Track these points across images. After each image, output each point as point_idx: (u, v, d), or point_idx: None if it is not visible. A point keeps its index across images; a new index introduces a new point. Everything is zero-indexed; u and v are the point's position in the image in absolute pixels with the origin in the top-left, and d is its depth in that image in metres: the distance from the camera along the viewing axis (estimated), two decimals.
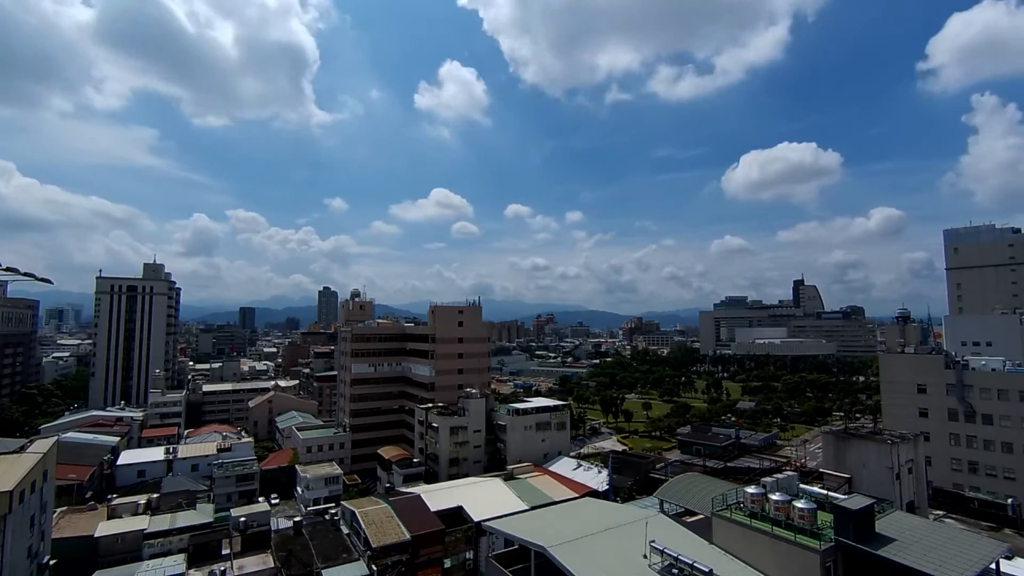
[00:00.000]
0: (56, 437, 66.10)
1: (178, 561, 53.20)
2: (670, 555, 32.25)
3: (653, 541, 33.79)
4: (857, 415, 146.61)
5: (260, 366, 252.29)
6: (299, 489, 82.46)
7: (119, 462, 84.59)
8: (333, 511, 68.26)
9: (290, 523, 63.94)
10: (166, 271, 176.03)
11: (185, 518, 63.14)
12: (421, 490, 66.17)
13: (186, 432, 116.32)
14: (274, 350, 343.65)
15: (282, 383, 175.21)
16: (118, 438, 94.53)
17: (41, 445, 49.29)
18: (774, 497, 36.08)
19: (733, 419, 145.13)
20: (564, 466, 79.70)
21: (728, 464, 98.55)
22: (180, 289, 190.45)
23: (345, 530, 59.51)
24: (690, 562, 31.18)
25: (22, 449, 47.79)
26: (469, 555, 56.77)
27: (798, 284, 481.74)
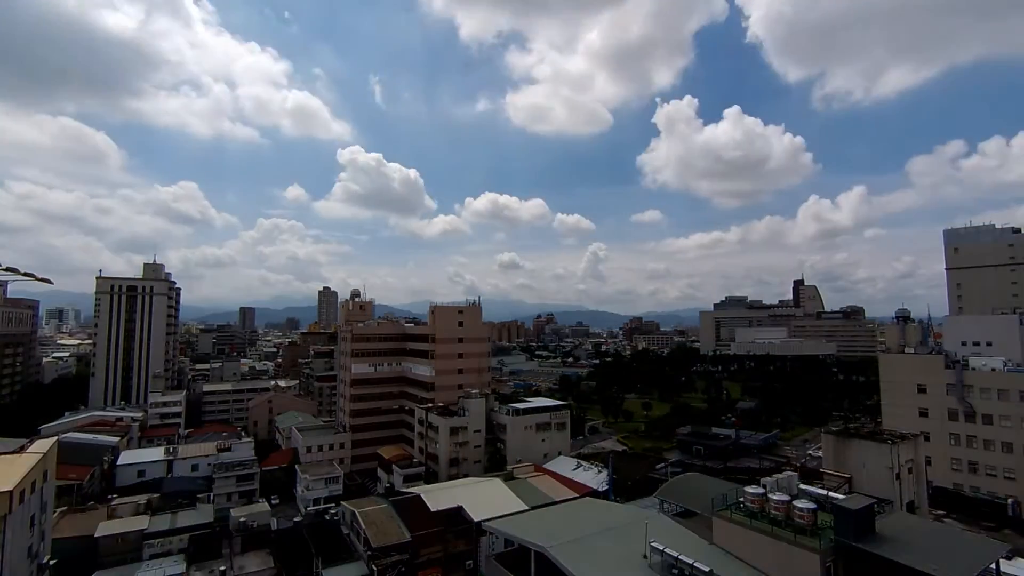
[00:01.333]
0: (56, 437, 66.06)
1: (178, 561, 53.29)
2: (670, 555, 32.27)
3: (653, 541, 33.79)
4: (857, 415, 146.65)
5: (260, 366, 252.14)
6: (299, 489, 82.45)
7: (119, 462, 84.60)
8: (333, 511, 68.36)
9: (290, 523, 64.11)
10: (166, 271, 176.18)
11: (185, 518, 63.20)
12: (421, 490, 66.15)
13: (186, 432, 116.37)
14: (274, 350, 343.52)
15: (282, 383, 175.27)
16: (118, 438, 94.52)
17: (41, 445, 49.27)
18: (774, 497, 36.07)
19: (733, 419, 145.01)
20: (564, 466, 79.65)
21: (728, 464, 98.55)
22: (180, 289, 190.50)
23: (345, 530, 59.57)
24: (690, 562, 31.20)
25: (22, 449, 47.82)
26: (469, 563, 56.69)
27: (798, 284, 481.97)
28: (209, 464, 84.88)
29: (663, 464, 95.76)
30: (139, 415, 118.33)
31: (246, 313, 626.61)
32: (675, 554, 32.06)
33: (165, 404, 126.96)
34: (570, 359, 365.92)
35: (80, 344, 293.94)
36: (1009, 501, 71.03)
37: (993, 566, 31.61)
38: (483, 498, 62.95)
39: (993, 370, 77.06)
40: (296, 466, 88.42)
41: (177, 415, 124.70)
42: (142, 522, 60.51)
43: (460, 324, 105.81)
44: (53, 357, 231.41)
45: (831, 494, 39.96)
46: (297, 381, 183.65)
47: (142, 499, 67.18)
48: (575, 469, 78.24)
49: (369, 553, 51.88)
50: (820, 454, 72.16)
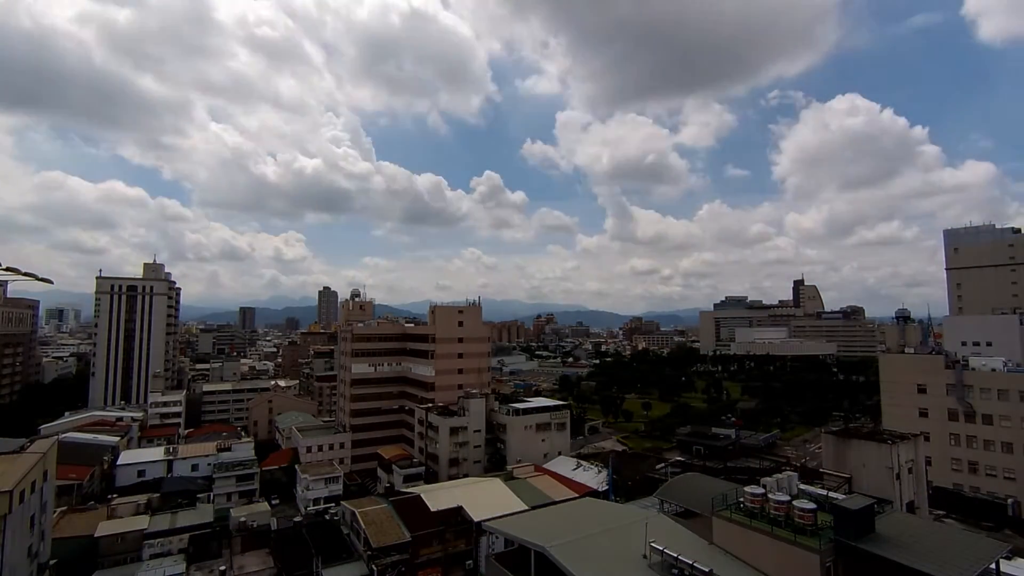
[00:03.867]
0: (56, 437, 66.21)
1: (178, 561, 53.32)
2: (670, 555, 32.26)
3: (653, 541, 33.78)
4: (857, 415, 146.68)
5: (260, 366, 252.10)
6: (299, 489, 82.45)
7: (119, 462, 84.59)
8: (333, 511, 68.35)
9: (290, 523, 64.06)
10: (166, 271, 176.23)
11: (185, 518, 63.24)
12: (421, 490, 66.17)
13: (186, 432, 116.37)
14: (274, 350, 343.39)
15: (282, 383, 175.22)
16: (118, 438, 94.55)
17: (41, 445, 49.34)
18: (774, 497, 36.04)
19: (733, 419, 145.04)
20: (564, 466, 79.66)
21: (728, 464, 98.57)
22: (180, 289, 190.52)
23: (345, 530, 59.60)
24: (690, 562, 31.18)
25: (22, 449, 47.87)
26: (469, 563, 56.67)
27: (798, 284, 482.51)
28: (209, 464, 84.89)
29: (663, 464, 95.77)
30: (139, 415, 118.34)
31: (246, 313, 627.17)
32: (675, 554, 32.04)
33: (165, 404, 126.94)
34: (570, 359, 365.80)
35: (80, 344, 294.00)
36: (1009, 501, 70.99)
37: (993, 566, 31.60)
38: (483, 498, 62.96)
39: (993, 370, 77.03)
40: (296, 466, 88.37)
41: (177, 415, 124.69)
42: (142, 522, 60.53)
43: (460, 324, 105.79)
44: (53, 357, 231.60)
45: (831, 494, 39.96)
46: (297, 381, 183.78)
47: (142, 499, 67.22)
48: (575, 469, 78.24)
49: (369, 553, 51.90)
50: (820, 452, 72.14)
